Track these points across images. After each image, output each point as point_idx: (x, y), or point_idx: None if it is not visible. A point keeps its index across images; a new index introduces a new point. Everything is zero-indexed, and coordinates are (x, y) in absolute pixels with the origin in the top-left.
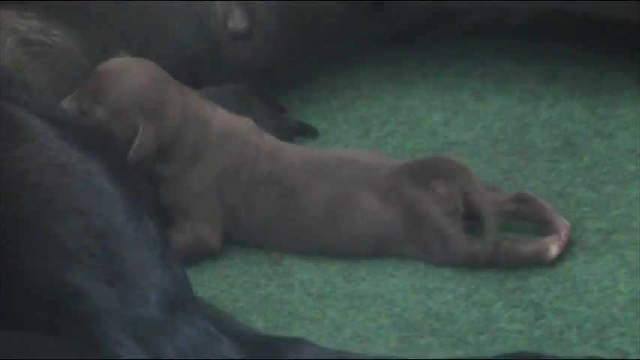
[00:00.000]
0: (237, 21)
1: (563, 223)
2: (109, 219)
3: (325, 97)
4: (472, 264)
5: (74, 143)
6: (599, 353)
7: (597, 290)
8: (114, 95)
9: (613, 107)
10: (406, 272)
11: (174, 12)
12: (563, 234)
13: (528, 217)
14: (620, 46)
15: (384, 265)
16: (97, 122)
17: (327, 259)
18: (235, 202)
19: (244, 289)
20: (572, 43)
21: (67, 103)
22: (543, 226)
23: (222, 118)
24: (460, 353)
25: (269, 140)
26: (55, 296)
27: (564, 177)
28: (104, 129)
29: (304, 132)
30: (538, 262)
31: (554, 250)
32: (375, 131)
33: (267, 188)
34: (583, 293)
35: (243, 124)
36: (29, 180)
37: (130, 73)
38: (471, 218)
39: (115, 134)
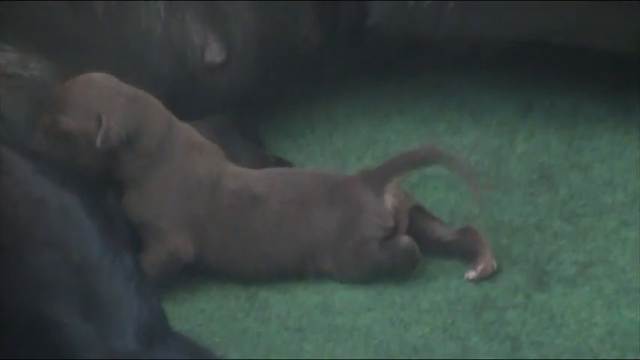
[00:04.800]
0: (215, 53)
1: (491, 262)
2: (86, 252)
3: (301, 131)
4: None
5: (50, 176)
6: None
7: (574, 322)
8: (71, 98)
9: (589, 139)
10: (383, 305)
11: (152, 43)
12: (483, 268)
13: (465, 249)
14: (597, 78)
15: (361, 298)
16: (61, 133)
17: (304, 292)
18: (197, 216)
19: (221, 323)
20: (549, 76)
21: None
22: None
23: (189, 131)
24: None
25: (232, 166)
26: (33, 330)
27: (541, 209)
28: (71, 137)
29: (281, 166)
30: None
31: (470, 274)
32: (352, 164)
33: (232, 202)
34: (560, 326)
35: (209, 144)
36: (5, 214)
37: (84, 79)
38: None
39: (81, 136)
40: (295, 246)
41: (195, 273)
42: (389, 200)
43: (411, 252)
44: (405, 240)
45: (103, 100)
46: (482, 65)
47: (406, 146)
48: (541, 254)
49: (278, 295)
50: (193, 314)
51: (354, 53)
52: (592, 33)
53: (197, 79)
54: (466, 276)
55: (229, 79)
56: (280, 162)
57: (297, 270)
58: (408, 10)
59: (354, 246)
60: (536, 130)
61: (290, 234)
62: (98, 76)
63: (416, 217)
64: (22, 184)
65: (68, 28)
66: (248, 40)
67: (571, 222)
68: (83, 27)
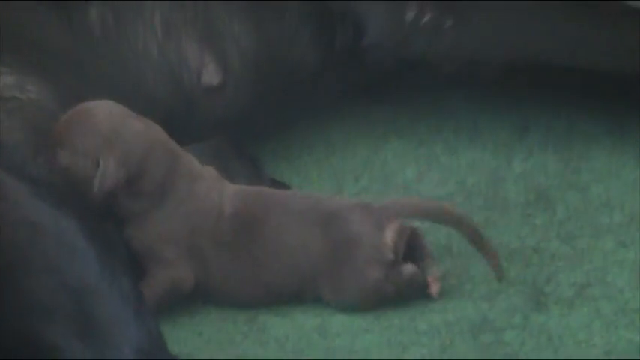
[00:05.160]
0: (212, 75)
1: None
2: (83, 276)
3: (298, 153)
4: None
5: (47, 200)
6: None
7: (572, 344)
8: (71, 135)
9: (586, 160)
10: (381, 327)
11: (148, 65)
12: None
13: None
14: (593, 98)
15: (359, 321)
16: (62, 169)
17: (302, 315)
18: (202, 246)
19: (220, 346)
20: (545, 96)
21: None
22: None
23: (190, 161)
24: None
25: (229, 185)
26: (30, 354)
27: (538, 230)
28: (70, 174)
29: (279, 188)
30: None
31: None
32: (349, 187)
33: (231, 228)
34: (558, 347)
35: (205, 169)
36: (2, 238)
37: (85, 112)
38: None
39: (80, 174)
40: (292, 272)
41: (194, 297)
42: (389, 235)
43: (415, 280)
44: (408, 269)
45: (104, 140)
46: (479, 86)
47: (403, 168)
48: (539, 275)
49: (276, 318)
50: (191, 337)
51: (350, 74)
52: (589, 53)
53: (194, 101)
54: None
55: (226, 101)
56: (277, 184)
57: (295, 296)
58: (404, 31)
59: (355, 277)
60: (533, 150)
61: (287, 260)
62: (100, 108)
63: (411, 245)
64: (19, 208)
65: (65, 50)
66: (244, 62)
67: (568, 243)
68: (80, 49)
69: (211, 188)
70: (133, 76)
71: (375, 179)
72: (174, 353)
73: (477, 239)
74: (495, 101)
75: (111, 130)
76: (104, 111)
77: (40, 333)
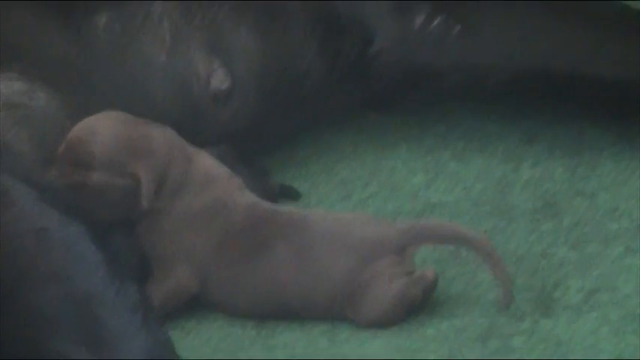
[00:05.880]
0: (221, 80)
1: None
2: (90, 284)
3: (306, 160)
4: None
5: (55, 207)
6: None
7: (580, 349)
8: (102, 154)
9: (594, 167)
10: (390, 333)
11: (156, 72)
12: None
13: None
14: (601, 105)
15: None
16: (95, 188)
17: (310, 321)
18: (207, 254)
19: (228, 352)
20: (553, 103)
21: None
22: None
23: (206, 160)
24: None
25: (248, 196)
26: None
27: (546, 237)
28: (104, 192)
29: (286, 194)
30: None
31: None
32: (357, 193)
33: (239, 242)
34: (566, 353)
35: (226, 173)
36: (9, 246)
37: (105, 127)
38: None
39: (116, 191)
40: (303, 294)
41: (200, 303)
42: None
43: (436, 283)
44: (429, 274)
45: (136, 155)
46: (487, 94)
47: (411, 175)
48: (547, 281)
49: (284, 323)
50: (199, 344)
51: (358, 82)
52: (596, 61)
53: (202, 108)
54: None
55: (234, 107)
56: (285, 190)
57: (310, 315)
58: (411, 39)
59: (381, 293)
60: (540, 158)
61: (297, 281)
62: (116, 122)
63: None
64: (27, 215)
65: (73, 57)
66: (252, 69)
67: (576, 249)
68: (88, 56)
69: (224, 192)
70: (140, 83)
71: (382, 186)
72: None
73: (492, 262)
74: (503, 109)
75: (139, 141)
76: (122, 123)
77: (47, 342)
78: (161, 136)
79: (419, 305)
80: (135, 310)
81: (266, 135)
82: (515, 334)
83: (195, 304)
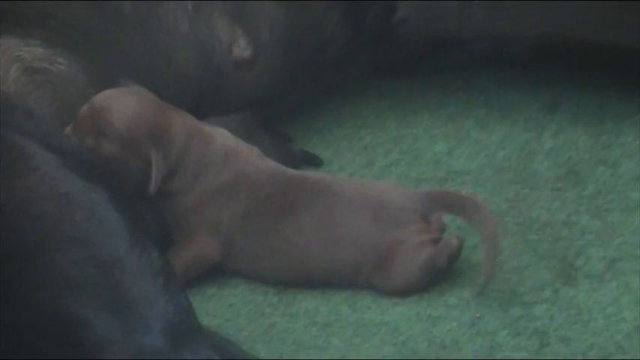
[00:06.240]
0: (243, 48)
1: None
2: (113, 248)
3: (329, 126)
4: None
5: (78, 172)
6: None
7: (602, 318)
8: (121, 127)
9: (617, 135)
10: (411, 301)
11: (179, 39)
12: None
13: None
14: (624, 74)
15: None
16: (106, 157)
17: (331, 288)
18: (233, 224)
19: (249, 318)
20: (576, 71)
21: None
22: None
23: (223, 138)
24: None
25: (271, 163)
26: (59, 326)
27: (568, 205)
28: (113, 162)
29: (309, 161)
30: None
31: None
32: (379, 160)
33: (265, 209)
34: (588, 321)
35: (244, 146)
36: (32, 210)
37: (130, 103)
38: None
39: (125, 166)
40: (329, 259)
41: (221, 271)
42: (433, 216)
43: (461, 249)
44: (453, 241)
45: (152, 138)
46: (510, 62)
47: (433, 142)
48: (569, 250)
49: (306, 291)
50: (221, 310)
51: (381, 50)
52: (619, 29)
53: (224, 75)
54: None
55: (256, 75)
56: (307, 156)
57: (334, 281)
58: (434, 7)
59: (408, 262)
60: (563, 126)
61: (323, 247)
62: (141, 101)
63: None
64: (50, 179)
65: (95, 24)
66: (275, 37)
67: (599, 217)
68: (110, 24)
69: (246, 163)
70: (163, 51)
71: (405, 153)
72: (203, 325)
73: (490, 244)
74: (526, 77)
75: (158, 126)
76: (146, 104)
77: (69, 304)
78: (180, 122)
79: (443, 272)
80: (156, 275)
81: (289, 102)
82: (536, 302)
83: (216, 271)
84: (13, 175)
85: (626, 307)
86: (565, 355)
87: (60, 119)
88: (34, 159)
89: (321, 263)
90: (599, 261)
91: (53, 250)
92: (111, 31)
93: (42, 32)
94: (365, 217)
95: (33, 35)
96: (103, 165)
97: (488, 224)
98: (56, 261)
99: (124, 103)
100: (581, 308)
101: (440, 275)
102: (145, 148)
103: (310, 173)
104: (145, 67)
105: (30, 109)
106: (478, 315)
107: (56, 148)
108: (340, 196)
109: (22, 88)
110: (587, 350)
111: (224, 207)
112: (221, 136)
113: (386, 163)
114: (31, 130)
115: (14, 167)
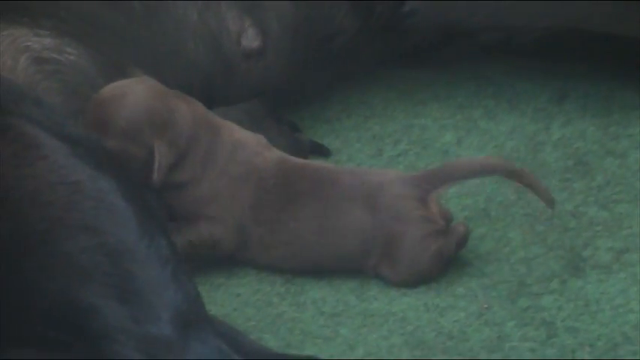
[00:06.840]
0: (251, 39)
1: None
2: (121, 237)
3: (338, 116)
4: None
5: (87, 160)
6: None
7: (609, 309)
8: (120, 121)
9: (625, 126)
10: (418, 291)
11: (188, 30)
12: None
13: None
14: (633, 64)
15: None
16: (111, 149)
17: (339, 278)
18: (242, 214)
19: (257, 308)
20: (584, 62)
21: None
22: None
23: (231, 130)
24: None
25: (277, 153)
26: (67, 314)
27: (577, 196)
28: (120, 154)
29: (317, 151)
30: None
31: None
32: (388, 150)
33: (273, 198)
34: (595, 312)
35: (251, 136)
36: (41, 198)
37: (130, 94)
38: None
39: (129, 159)
40: (334, 247)
41: (232, 261)
42: (433, 203)
43: (467, 236)
44: (460, 229)
45: (155, 125)
46: (518, 52)
47: (441, 132)
48: (577, 241)
49: (313, 280)
50: (229, 299)
51: (390, 40)
52: (627, 20)
53: (233, 66)
54: None
55: (265, 65)
56: (316, 146)
57: (339, 269)
58: None
59: (414, 253)
60: (571, 116)
61: (332, 237)
62: (142, 91)
63: None
64: (59, 168)
65: (103, 15)
66: (283, 27)
67: (607, 208)
68: (119, 14)
69: (254, 154)
70: (172, 41)
71: (413, 143)
72: (211, 314)
73: (525, 180)
74: (534, 67)
75: (159, 114)
76: (147, 93)
77: (77, 293)
78: (187, 111)
79: (451, 260)
80: (165, 263)
81: (297, 92)
82: (544, 292)
83: (224, 261)
84: (23, 163)
85: (633, 298)
86: (572, 346)
87: (69, 108)
88: (44, 148)
89: (327, 251)
90: (607, 252)
91: (62, 239)
92: (120, 21)
93: (51, 22)
94: (364, 205)
95: (42, 25)
96: (111, 154)
97: (500, 165)
98: (65, 249)
99: (126, 94)
100: (588, 299)
101: (448, 264)
102: (148, 137)
103: (314, 162)
104: (153, 58)
105: (39, 99)
106: (485, 305)
107: (65, 136)
108: (340, 184)
109: (31, 78)
110: (595, 341)
111: (233, 198)
112: (230, 129)
113: (394, 153)
114: (41, 119)
115: (24, 156)
